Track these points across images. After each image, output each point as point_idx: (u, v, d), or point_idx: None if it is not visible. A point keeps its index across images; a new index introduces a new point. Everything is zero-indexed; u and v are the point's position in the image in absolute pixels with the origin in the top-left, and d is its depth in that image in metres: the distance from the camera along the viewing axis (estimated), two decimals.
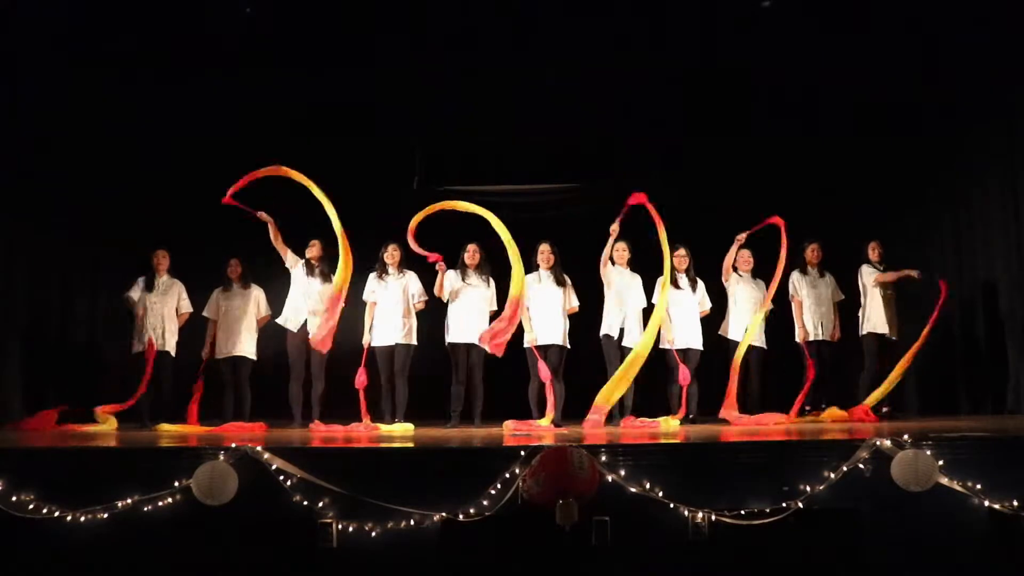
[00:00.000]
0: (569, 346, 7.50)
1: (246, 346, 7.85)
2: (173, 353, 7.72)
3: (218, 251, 8.25)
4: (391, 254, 7.68)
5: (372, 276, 7.71)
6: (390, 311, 7.55)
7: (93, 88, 8.25)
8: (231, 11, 8.13)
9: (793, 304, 7.95)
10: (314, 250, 7.76)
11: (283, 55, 8.44)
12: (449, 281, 7.60)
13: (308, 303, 7.65)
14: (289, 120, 8.95)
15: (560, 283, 7.55)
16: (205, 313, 7.91)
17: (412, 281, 7.71)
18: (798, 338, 7.87)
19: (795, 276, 7.96)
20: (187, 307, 7.84)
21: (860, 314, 7.94)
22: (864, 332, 7.88)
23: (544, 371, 7.14)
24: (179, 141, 8.79)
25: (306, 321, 7.61)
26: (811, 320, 7.87)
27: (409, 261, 7.75)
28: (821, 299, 7.91)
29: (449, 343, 7.57)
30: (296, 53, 8.44)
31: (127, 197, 8.67)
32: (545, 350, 7.43)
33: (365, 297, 7.67)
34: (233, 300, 7.90)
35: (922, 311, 7.74)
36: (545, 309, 7.47)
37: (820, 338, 7.85)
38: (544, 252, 7.62)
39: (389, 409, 7.51)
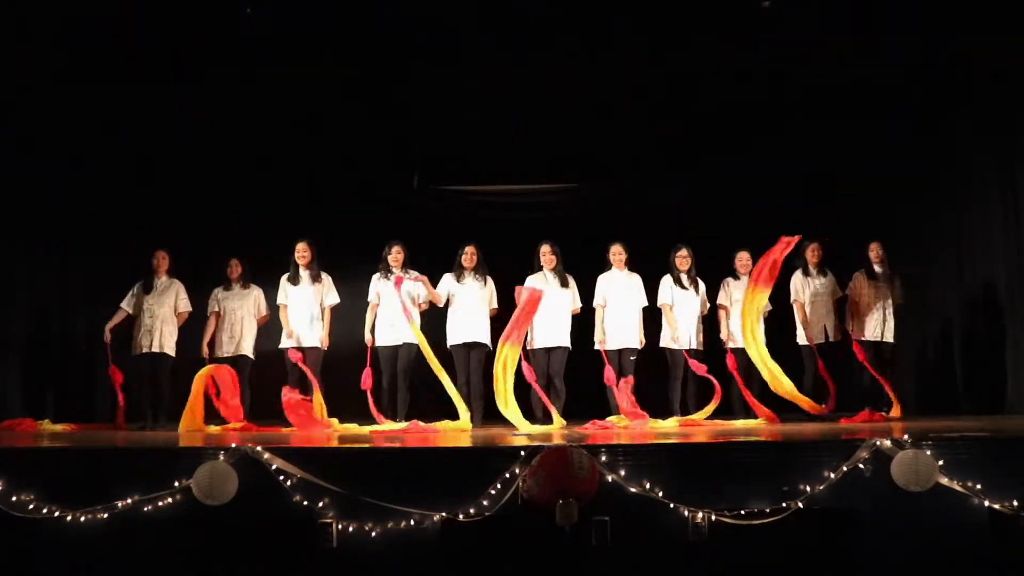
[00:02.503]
0: (571, 347, 7.52)
1: (246, 345, 7.86)
2: (172, 354, 7.71)
3: (218, 251, 8.26)
4: (395, 256, 7.67)
5: (376, 276, 7.70)
6: (396, 311, 7.54)
7: (91, 89, 8.24)
8: (231, 11, 8.12)
9: (795, 307, 7.91)
10: (303, 254, 7.76)
11: (283, 55, 8.43)
12: (446, 285, 7.60)
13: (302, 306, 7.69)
14: (289, 120, 8.95)
15: (564, 284, 7.58)
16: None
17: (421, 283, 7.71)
18: (801, 340, 7.83)
19: (797, 277, 7.93)
20: (186, 306, 7.84)
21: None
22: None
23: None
24: (179, 141, 8.79)
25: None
26: (815, 322, 7.83)
27: (412, 262, 7.76)
28: (822, 300, 7.89)
29: (451, 346, 7.58)
30: (296, 53, 8.43)
31: (126, 198, 8.68)
32: (549, 352, 7.45)
33: (370, 299, 7.67)
34: (233, 300, 7.91)
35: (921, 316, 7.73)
36: (550, 310, 7.49)
37: (821, 339, 7.83)
38: (545, 253, 7.64)
39: (391, 409, 7.50)
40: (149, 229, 8.42)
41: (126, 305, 7.72)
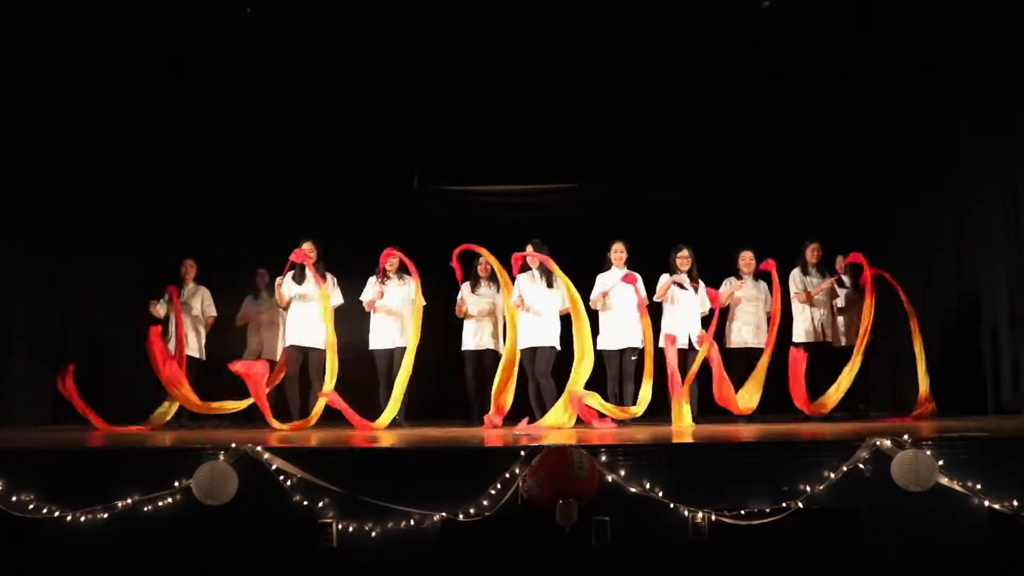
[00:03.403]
0: (560, 347, 7.52)
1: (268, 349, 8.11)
2: (201, 357, 7.90)
3: (218, 252, 8.28)
4: (390, 260, 7.67)
5: (372, 280, 7.70)
6: (391, 315, 7.54)
7: (91, 89, 8.24)
8: (231, 11, 8.12)
9: (795, 299, 7.88)
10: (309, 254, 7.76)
11: (283, 55, 8.43)
12: (464, 295, 7.67)
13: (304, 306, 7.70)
14: (289, 120, 8.95)
15: (551, 284, 7.56)
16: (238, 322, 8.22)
17: (413, 285, 7.71)
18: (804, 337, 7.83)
19: (796, 275, 7.92)
20: (211, 312, 8.06)
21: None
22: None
23: None
24: (179, 141, 8.80)
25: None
26: (813, 321, 7.82)
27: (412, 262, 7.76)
28: (821, 300, 7.88)
29: (465, 351, 7.61)
30: (296, 53, 8.43)
31: (126, 198, 8.68)
32: (533, 351, 7.44)
33: (364, 297, 7.67)
34: (260, 307, 8.18)
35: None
36: (536, 310, 7.47)
37: (821, 340, 7.81)
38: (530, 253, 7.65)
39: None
40: (149, 229, 8.43)
41: (161, 308, 7.85)
